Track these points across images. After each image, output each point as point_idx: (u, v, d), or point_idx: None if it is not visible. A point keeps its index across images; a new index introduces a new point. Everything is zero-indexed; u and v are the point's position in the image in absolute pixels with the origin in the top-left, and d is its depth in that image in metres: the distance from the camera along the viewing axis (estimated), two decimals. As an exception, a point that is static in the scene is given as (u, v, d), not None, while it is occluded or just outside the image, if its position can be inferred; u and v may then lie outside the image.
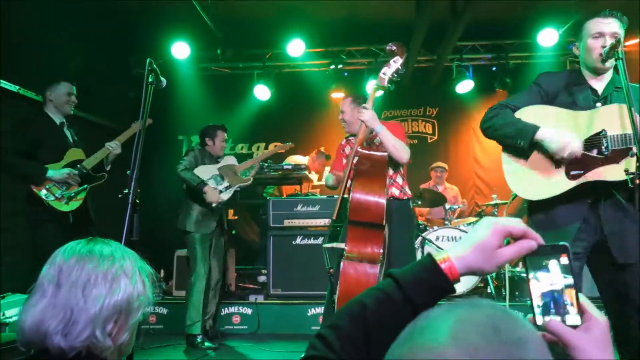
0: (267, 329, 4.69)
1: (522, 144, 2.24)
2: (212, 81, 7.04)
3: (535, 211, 2.34)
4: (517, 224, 0.84)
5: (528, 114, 2.32)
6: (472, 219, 5.52)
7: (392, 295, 0.84)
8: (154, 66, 2.31)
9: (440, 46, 6.41)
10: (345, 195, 3.01)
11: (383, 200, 2.89)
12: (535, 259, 0.80)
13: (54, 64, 4.99)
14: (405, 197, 3.44)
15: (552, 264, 0.77)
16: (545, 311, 0.76)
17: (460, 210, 5.94)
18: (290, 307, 4.79)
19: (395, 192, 3.41)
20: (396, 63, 3.09)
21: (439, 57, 6.61)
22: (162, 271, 5.60)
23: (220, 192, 4.32)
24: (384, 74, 3.09)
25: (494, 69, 6.81)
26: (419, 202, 5.33)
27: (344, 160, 3.60)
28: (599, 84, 2.33)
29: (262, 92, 6.78)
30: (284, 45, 6.34)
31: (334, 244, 3.15)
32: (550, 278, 0.77)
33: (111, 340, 1.06)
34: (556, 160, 2.24)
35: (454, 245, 0.90)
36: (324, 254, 4.09)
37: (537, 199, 2.28)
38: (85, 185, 3.58)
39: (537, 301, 0.77)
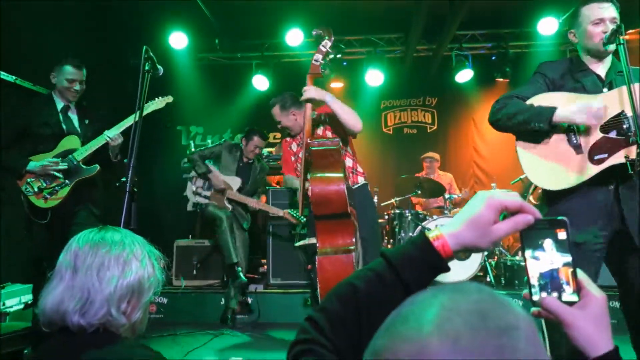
0: (268, 318, 4.70)
1: (542, 126, 2.17)
2: (211, 71, 7.00)
3: (554, 202, 2.24)
4: (513, 198, 0.81)
5: (539, 102, 2.25)
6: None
7: (383, 275, 0.82)
8: (151, 54, 2.29)
9: (439, 35, 6.37)
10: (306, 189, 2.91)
11: (343, 188, 2.79)
12: (532, 235, 0.77)
13: (50, 54, 4.95)
14: (360, 179, 3.29)
15: (549, 242, 0.75)
16: (542, 288, 0.75)
17: (462, 199, 5.92)
18: (290, 296, 4.80)
19: (349, 177, 3.25)
20: (325, 47, 3.01)
21: (438, 47, 6.57)
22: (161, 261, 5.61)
23: (196, 193, 4.62)
24: (316, 60, 3.02)
25: (493, 58, 6.76)
26: (419, 192, 5.32)
27: (293, 158, 3.51)
28: (601, 69, 2.31)
29: (260, 82, 6.74)
30: (283, 35, 6.29)
31: (306, 241, 3.11)
32: (547, 256, 0.75)
33: (126, 317, 1.17)
34: (577, 146, 2.18)
35: (448, 221, 0.88)
36: (299, 252, 4.03)
37: (561, 188, 2.19)
38: (66, 182, 3.20)
39: (533, 279, 0.75)
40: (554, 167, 2.23)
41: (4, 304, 3.13)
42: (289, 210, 4.52)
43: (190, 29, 6.31)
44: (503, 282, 5.16)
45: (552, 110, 2.17)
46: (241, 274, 4.38)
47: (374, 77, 6.51)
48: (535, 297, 0.75)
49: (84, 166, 3.26)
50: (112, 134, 3.27)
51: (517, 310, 0.52)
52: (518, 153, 2.34)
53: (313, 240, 2.90)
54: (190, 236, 5.44)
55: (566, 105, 2.18)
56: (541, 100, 2.27)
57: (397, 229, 5.19)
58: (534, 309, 0.76)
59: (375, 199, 5.17)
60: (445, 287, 0.55)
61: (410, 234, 5.02)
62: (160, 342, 4.00)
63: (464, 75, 6.59)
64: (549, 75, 2.37)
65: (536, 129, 2.21)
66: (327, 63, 3.03)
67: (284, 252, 4.86)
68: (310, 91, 3.01)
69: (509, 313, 0.51)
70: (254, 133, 4.69)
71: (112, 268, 1.16)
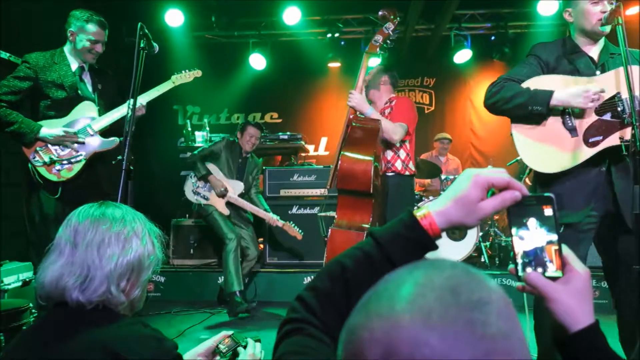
0: (264, 297, 4.75)
1: (540, 109, 2.17)
2: (207, 50, 6.92)
3: (547, 184, 2.25)
4: (500, 175, 0.81)
5: (534, 84, 2.25)
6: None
7: (371, 254, 0.82)
8: (146, 31, 2.25)
9: (438, 15, 6.31)
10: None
11: (370, 169, 2.89)
12: (519, 211, 0.78)
13: (43, 32, 4.89)
14: (407, 173, 3.42)
15: (534, 219, 0.76)
16: (527, 264, 0.76)
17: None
18: (286, 275, 4.84)
19: (398, 165, 3.40)
20: (388, 29, 3.06)
21: (437, 26, 6.50)
22: (159, 240, 5.64)
23: (196, 192, 4.54)
24: (375, 40, 3.09)
25: (492, 38, 6.71)
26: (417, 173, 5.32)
27: None
28: (594, 51, 2.30)
29: (257, 61, 6.67)
30: (280, 13, 6.21)
31: (328, 213, 3.17)
32: (533, 233, 0.76)
33: (125, 295, 1.16)
34: (572, 129, 2.19)
35: (434, 200, 0.89)
36: (320, 222, 4.14)
37: (555, 170, 2.20)
38: (81, 154, 2.83)
39: (519, 255, 0.77)
40: (548, 149, 2.24)
41: (2, 282, 3.14)
42: (290, 222, 4.42)
43: (187, 6, 6.21)
44: (497, 262, 5.22)
45: (550, 93, 2.17)
46: (240, 300, 4.11)
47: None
48: (520, 272, 0.76)
49: (102, 138, 2.91)
50: (145, 101, 2.92)
51: (490, 285, 0.52)
52: (513, 136, 2.34)
53: (334, 214, 3.00)
54: (187, 215, 5.45)
55: (562, 88, 2.18)
56: (537, 83, 2.26)
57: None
58: (518, 284, 0.77)
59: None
60: (420, 264, 0.55)
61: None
62: (156, 320, 4.05)
63: (463, 56, 6.55)
64: (543, 57, 2.36)
65: (534, 112, 2.21)
66: (386, 45, 3.08)
67: (281, 232, 4.88)
68: (353, 99, 3.09)
69: (482, 288, 0.51)
70: (247, 124, 4.64)
71: (113, 245, 1.14)
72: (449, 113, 7.17)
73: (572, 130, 2.20)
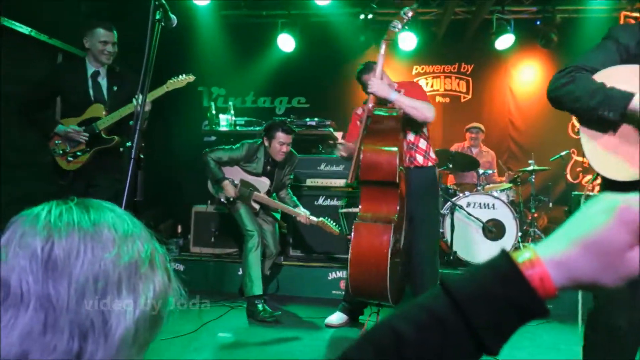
0: (286, 291, 4.54)
1: (612, 115, 1.81)
2: (234, 30, 6.66)
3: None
4: None
5: (612, 77, 1.86)
6: (507, 185, 5.18)
7: (443, 318, 0.55)
8: (162, 1, 1.99)
9: (480, -4, 5.90)
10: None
11: (394, 157, 2.81)
12: None
13: (65, 6, 4.70)
14: (430, 164, 3.27)
15: None
16: None
17: (503, 179, 5.53)
18: (310, 269, 4.61)
19: (419, 158, 3.24)
20: (407, 15, 3.02)
21: (479, 9, 6.09)
22: (179, 227, 5.47)
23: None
24: (393, 26, 3.03)
25: (537, 23, 6.24)
26: (450, 166, 4.98)
27: (358, 122, 3.42)
28: None
29: (286, 43, 6.38)
30: (311, -8, 5.90)
31: (351, 209, 3.08)
32: None
33: None
34: None
35: (545, 240, 0.59)
36: (342, 219, 3.93)
37: (628, 179, 1.85)
38: (87, 149, 3.33)
39: None
40: (624, 155, 1.88)
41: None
42: (325, 218, 3.85)
43: (214, -17, 5.96)
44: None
45: (628, 96, 1.80)
46: (261, 308, 3.73)
47: (407, 41, 6.09)
48: None
49: (105, 136, 3.35)
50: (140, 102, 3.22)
51: None
52: (581, 138, 2.01)
53: (357, 210, 2.92)
54: (209, 201, 5.24)
55: None
56: (612, 75, 1.90)
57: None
58: None
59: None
60: None
61: (442, 210, 4.70)
62: (173, 311, 3.86)
63: (505, 41, 6.11)
64: (623, 42, 1.96)
65: (604, 117, 1.86)
66: (401, 32, 3.09)
67: (306, 225, 4.65)
68: (374, 86, 2.98)
69: None
70: (275, 129, 3.84)
71: (124, 289, 0.71)
72: (487, 102, 6.74)
73: None
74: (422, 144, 3.29)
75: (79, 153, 3.33)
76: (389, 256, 2.73)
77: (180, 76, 3.30)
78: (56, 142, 3.33)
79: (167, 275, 0.71)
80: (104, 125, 3.31)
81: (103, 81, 3.42)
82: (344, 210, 3.15)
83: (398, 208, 2.85)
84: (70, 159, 3.32)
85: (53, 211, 0.62)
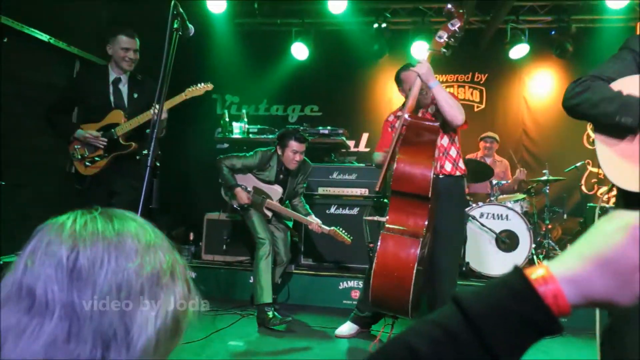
0: (297, 300, 4.52)
1: (630, 122, 1.79)
2: (248, 38, 6.72)
3: (636, 204, 1.88)
4: None
5: (629, 86, 1.84)
6: (520, 195, 5.12)
7: (456, 333, 0.55)
8: (180, 10, 2.02)
9: (494, 6, 5.88)
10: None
11: (429, 171, 2.73)
12: None
13: (84, 14, 4.78)
14: (458, 173, 3.19)
15: None
16: None
17: (516, 181, 5.45)
18: (321, 278, 4.59)
19: (447, 166, 3.17)
20: (454, 26, 2.86)
21: (493, 19, 6.07)
22: (191, 234, 5.49)
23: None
24: (439, 37, 2.89)
25: (552, 32, 6.21)
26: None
27: (390, 129, 3.37)
28: None
29: (300, 51, 6.42)
30: (325, 2, 5.91)
31: (377, 217, 2.99)
32: None
33: None
34: None
35: (559, 256, 0.58)
36: (365, 226, 3.89)
37: None
38: (105, 155, 3.36)
39: None
40: (636, 167, 1.86)
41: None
42: (337, 227, 3.84)
43: (230, -8, 6.01)
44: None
45: None
46: (272, 315, 3.72)
47: (420, 50, 6.09)
48: None
49: (122, 142, 3.37)
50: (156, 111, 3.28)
51: None
52: (596, 146, 1.98)
53: (385, 219, 2.83)
54: (221, 209, 5.25)
55: None
56: (629, 84, 1.88)
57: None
58: None
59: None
60: None
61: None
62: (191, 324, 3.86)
63: (519, 51, 6.09)
64: (639, 51, 1.97)
65: (621, 124, 1.83)
66: (450, 43, 2.92)
67: (317, 233, 4.65)
68: (422, 67, 2.88)
69: None
70: (288, 137, 3.82)
71: (146, 299, 0.66)
72: (501, 112, 6.70)
73: None
74: (453, 152, 3.20)
75: (97, 158, 3.35)
76: (415, 271, 2.67)
77: (199, 84, 3.30)
78: (75, 147, 3.35)
79: (187, 286, 0.71)
80: (122, 132, 3.33)
81: (124, 88, 3.46)
82: (369, 217, 3.10)
83: (427, 223, 2.79)
84: (88, 164, 3.35)
85: (78, 220, 0.63)
